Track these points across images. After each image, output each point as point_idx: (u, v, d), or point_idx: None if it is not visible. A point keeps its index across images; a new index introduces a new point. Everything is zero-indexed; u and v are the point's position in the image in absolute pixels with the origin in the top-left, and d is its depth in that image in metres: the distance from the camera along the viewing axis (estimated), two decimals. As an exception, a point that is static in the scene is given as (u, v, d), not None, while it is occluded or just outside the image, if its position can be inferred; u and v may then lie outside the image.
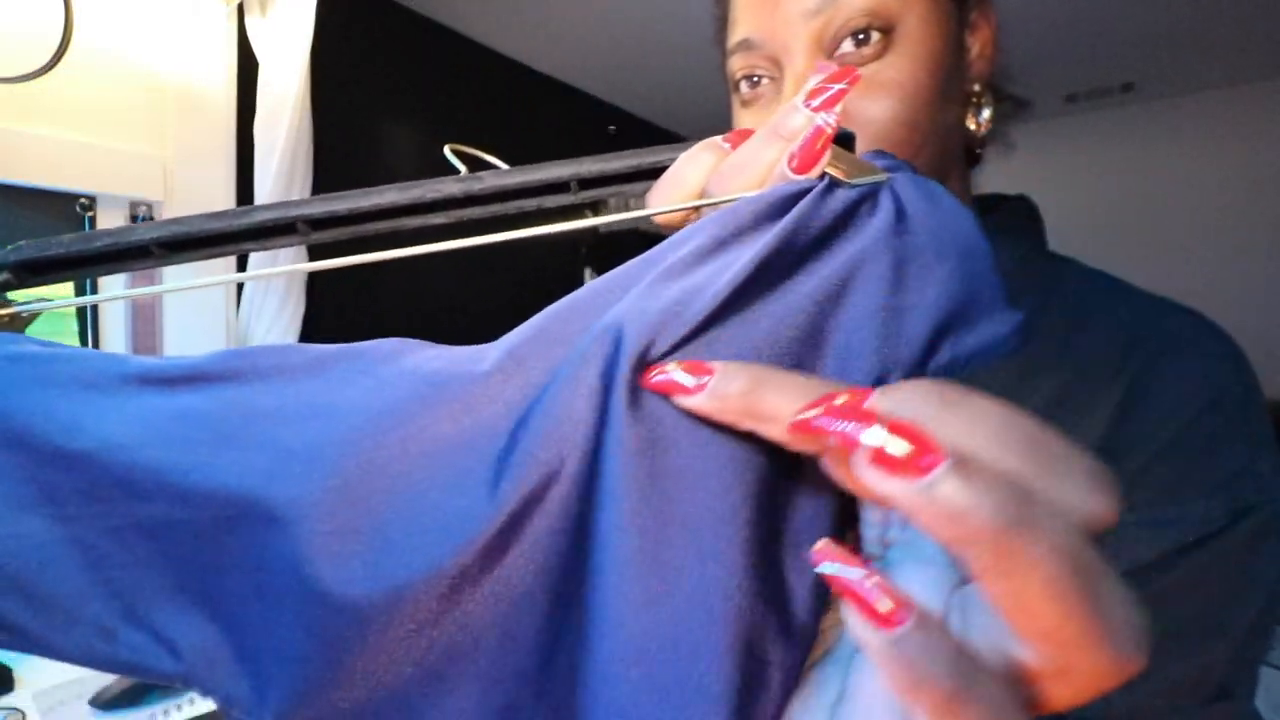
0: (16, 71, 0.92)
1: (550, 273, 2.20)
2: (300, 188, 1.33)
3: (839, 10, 0.33)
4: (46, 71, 0.94)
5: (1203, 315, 0.36)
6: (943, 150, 0.37)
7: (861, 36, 0.33)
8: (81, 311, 1.01)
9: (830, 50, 0.34)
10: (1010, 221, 0.46)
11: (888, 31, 0.34)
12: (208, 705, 0.73)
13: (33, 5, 0.94)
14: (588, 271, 2.30)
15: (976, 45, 0.39)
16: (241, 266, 1.25)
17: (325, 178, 1.45)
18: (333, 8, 1.43)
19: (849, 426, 0.12)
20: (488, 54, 2.15)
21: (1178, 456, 0.31)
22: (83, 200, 1.01)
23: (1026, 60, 2.36)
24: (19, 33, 0.93)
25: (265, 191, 1.28)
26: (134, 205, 1.06)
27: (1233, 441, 0.32)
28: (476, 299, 2.00)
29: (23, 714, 0.71)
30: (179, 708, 0.73)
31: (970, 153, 0.42)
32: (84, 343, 1.01)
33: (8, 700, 0.75)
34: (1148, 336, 0.35)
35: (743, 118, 0.39)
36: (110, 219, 1.04)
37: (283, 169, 1.28)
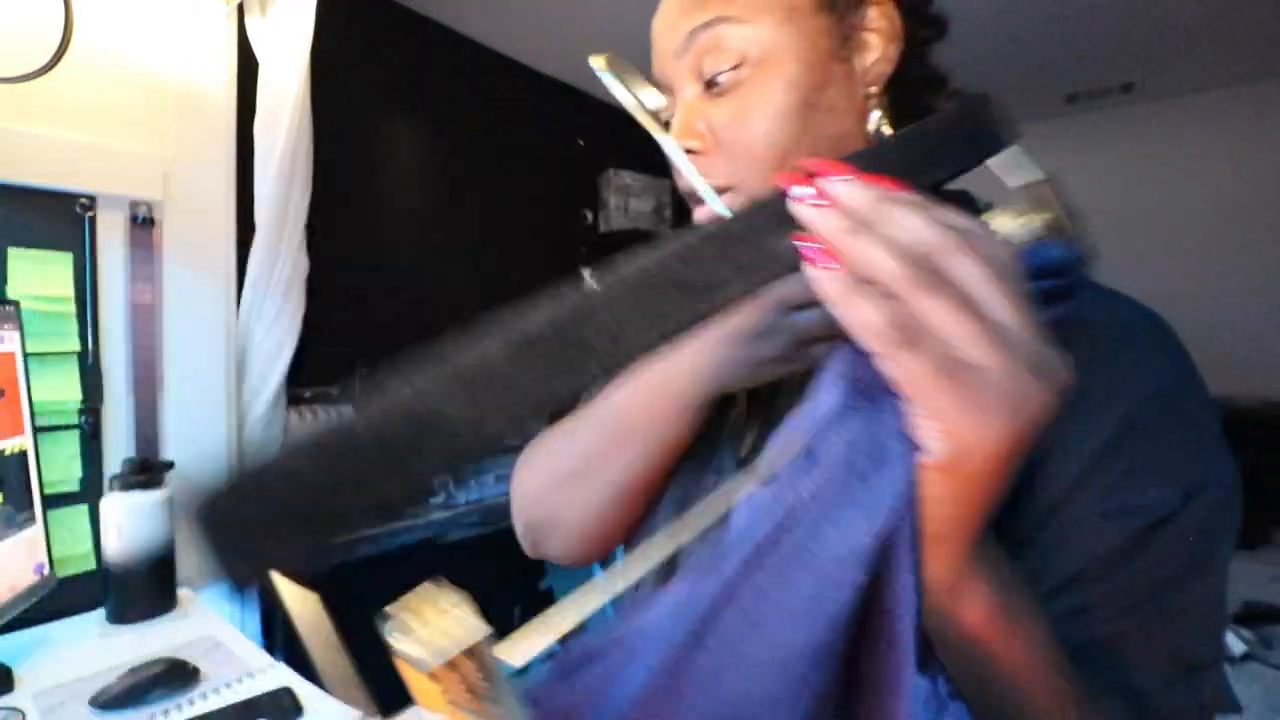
0: (16, 71, 0.92)
1: (549, 273, 2.20)
2: (300, 188, 1.33)
3: (696, 49, 0.39)
4: (46, 71, 0.94)
5: (1142, 305, 0.37)
6: (815, 144, 0.38)
7: (721, 70, 0.38)
8: (81, 312, 1.01)
9: (704, 81, 0.39)
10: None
11: (741, 61, 0.38)
12: (208, 705, 0.73)
13: (33, 5, 0.94)
14: (587, 272, 2.30)
15: (877, 47, 0.39)
16: (241, 276, 1.25)
17: (325, 178, 1.45)
18: (333, 8, 1.42)
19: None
20: (488, 54, 2.14)
21: (1129, 445, 0.32)
22: (83, 200, 1.01)
23: (1027, 60, 2.36)
24: (19, 33, 0.93)
25: (265, 191, 1.28)
26: (134, 205, 1.06)
27: (1177, 428, 0.33)
28: (475, 299, 2.00)
29: (23, 714, 0.71)
30: (179, 708, 0.73)
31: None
32: (84, 344, 1.01)
33: (8, 700, 0.75)
34: (1093, 324, 0.35)
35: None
36: (110, 219, 1.04)
37: (283, 169, 1.28)
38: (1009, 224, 0.26)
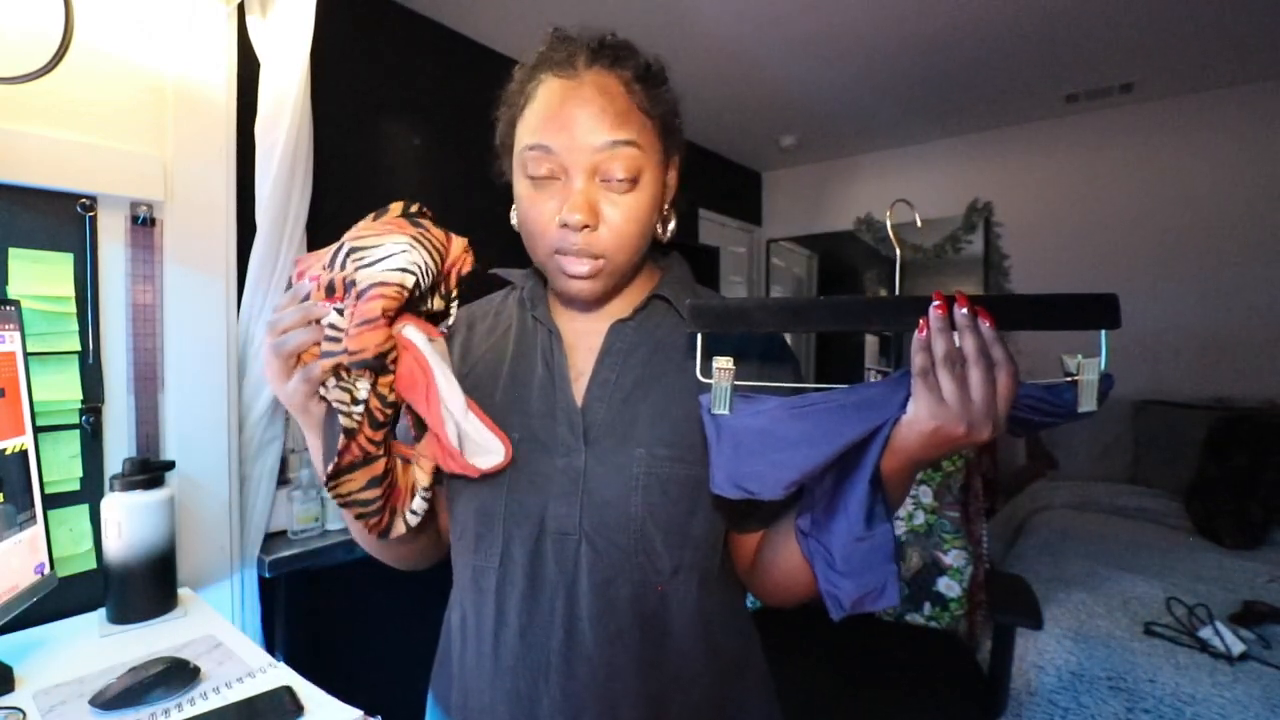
0: (16, 71, 0.92)
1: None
2: (300, 188, 1.33)
3: (613, 157, 0.54)
4: (47, 72, 0.94)
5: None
6: (646, 245, 0.60)
7: (621, 177, 0.54)
8: (82, 312, 1.01)
9: (599, 178, 0.55)
10: (679, 271, 0.68)
11: (636, 177, 0.55)
12: (208, 705, 0.73)
13: (33, 5, 0.94)
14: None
15: (671, 181, 0.62)
16: (241, 276, 1.25)
17: (325, 178, 1.45)
18: (333, 8, 1.42)
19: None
20: (488, 54, 2.15)
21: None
22: (83, 200, 1.01)
23: (1027, 60, 2.36)
24: (19, 33, 0.93)
25: (265, 192, 1.28)
26: (134, 205, 1.06)
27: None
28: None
29: (23, 714, 0.71)
30: (179, 707, 0.73)
31: (657, 242, 0.64)
32: (84, 344, 1.01)
33: (8, 700, 0.75)
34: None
35: (535, 196, 0.56)
36: (110, 219, 1.04)
37: (283, 169, 1.28)
38: (1068, 363, 0.45)
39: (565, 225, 0.54)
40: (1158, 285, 2.71)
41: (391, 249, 0.48)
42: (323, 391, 0.49)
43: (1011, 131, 3.07)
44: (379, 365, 0.47)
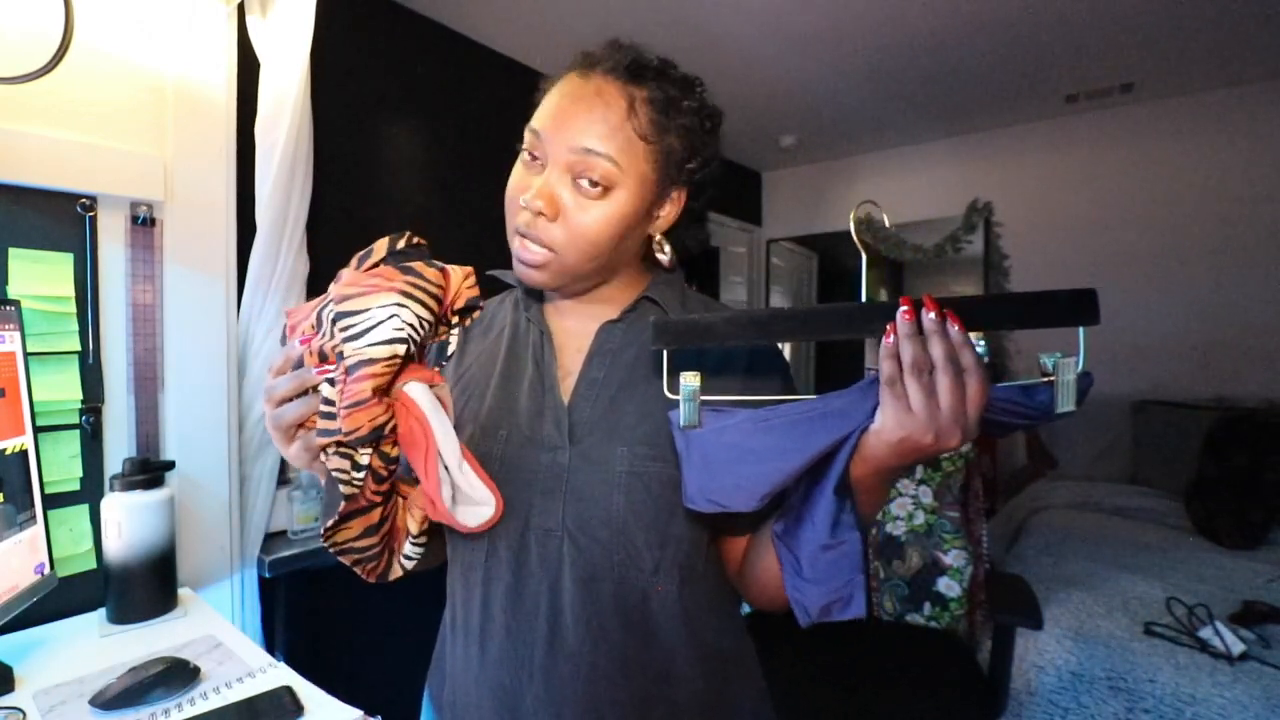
0: (16, 71, 0.92)
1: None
2: (300, 188, 1.33)
3: (585, 163, 0.55)
4: (47, 72, 0.94)
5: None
6: (616, 260, 0.61)
7: (592, 182, 0.55)
8: (82, 312, 1.01)
9: (571, 177, 0.56)
10: (671, 274, 0.68)
11: (608, 187, 0.56)
12: (208, 705, 0.73)
13: (33, 5, 0.94)
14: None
15: (664, 213, 0.62)
16: (241, 276, 1.25)
17: (325, 178, 1.45)
18: (333, 8, 1.42)
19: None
20: (488, 54, 2.14)
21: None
22: (83, 200, 1.01)
23: (1027, 60, 2.36)
24: (19, 33, 0.93)
25: (265, 191, 1.28)
26: (134, 205, 1.06)
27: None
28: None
29: (23, 714, 0.71)
30: (179, 707, 0.73)
31: (655, 260, 0.66)
32: (84, 344, 1.01)
33: (8, 700, 0.75)
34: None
35: (519, 175, 0.59)
36: (110, 219, 1.04)
37: (283, 169, 1.28)
38: (1045, 360, 0.43)
39: (524, 208, 0.56)
40: (1157, 285, 2.71)
41: (378, 315, 0.45)
42: (323, 458, 0.47)
43: (1011, 131, 3.07)
44: (377, 438, 0.46)
